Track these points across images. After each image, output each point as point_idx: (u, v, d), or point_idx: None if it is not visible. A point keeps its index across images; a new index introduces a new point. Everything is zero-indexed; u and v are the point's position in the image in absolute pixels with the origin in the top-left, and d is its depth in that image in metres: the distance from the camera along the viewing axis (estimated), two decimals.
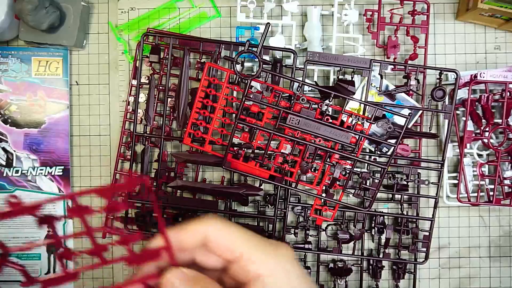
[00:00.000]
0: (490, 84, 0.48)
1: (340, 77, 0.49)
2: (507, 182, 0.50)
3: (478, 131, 0.50)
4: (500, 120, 0.49)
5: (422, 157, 0.51)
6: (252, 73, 0.49)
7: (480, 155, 0.51)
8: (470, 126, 0.50)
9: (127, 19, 0.53)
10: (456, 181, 0.50)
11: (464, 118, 0.50)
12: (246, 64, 0.49)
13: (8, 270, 0.45)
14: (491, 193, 0.49)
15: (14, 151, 0.52)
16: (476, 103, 0.49)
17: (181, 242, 0.30)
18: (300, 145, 0.46)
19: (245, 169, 0.47)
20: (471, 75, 0.49)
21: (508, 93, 0.48)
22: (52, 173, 0.52)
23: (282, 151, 0.47)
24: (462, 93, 0.50)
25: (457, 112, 0.50)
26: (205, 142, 0.48)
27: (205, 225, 0.30)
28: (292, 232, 0.50)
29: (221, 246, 0.29)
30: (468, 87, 0.48)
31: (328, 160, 0.47)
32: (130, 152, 0.50)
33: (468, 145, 0.50)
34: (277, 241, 0.31)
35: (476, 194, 0.50)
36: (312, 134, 0.44)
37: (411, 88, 0.48)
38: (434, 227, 0.49)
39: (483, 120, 0.50)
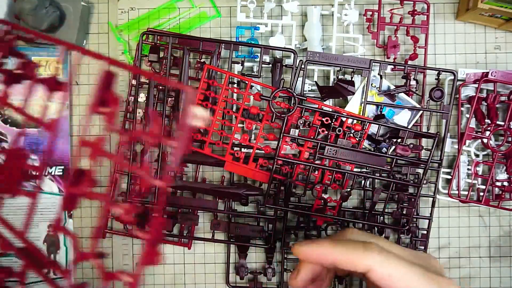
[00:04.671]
0: (499, 85, 0.49)
1: (340, 77, 0.49)
2: (498, 184, 0.50)
3: (479, 130, 0.50)
4: (503, 122, 0.49)
5: (421, 157, 0.51)
6: (253, 73, 0.49)
7: (476, 155, 0.51)
8: (473, 124, 0.50)
9: (127, 19, 0.53)
10: (449, 177, 0.51)
11: (467, 115, 0.50)
12: (246, 64, 0.49)
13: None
14: (481, 193, 0.50)
15: None
16: (483, 101, 0.49)
17: (335, 261, 0.32)
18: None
19: (245, 172, 0.48)
20: (483, 73, 0.49)
21: None
22: (52, 173, 0.52)
23: (282, 152, 0.47)
24: (470, 90, 0.50)
25: (462, 108, 0.50)
26: (205, 144, 0.48)
27: (368, 258, 0.31)
28: (292, 232, 0.51)
29: (384, 282, 0.30)
30: (477, 84, 0.48)
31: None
32: (130, 152, 0.50)
33: (467, 141, 0.50)
34: (441, 276, 0.32)
35: (467, 192, 0.50)
36: (349, 162, 0.47)
37: (411, 88, 0.48)
38: (434, 227, 0.49)
39: (487, 120, 0.50)
